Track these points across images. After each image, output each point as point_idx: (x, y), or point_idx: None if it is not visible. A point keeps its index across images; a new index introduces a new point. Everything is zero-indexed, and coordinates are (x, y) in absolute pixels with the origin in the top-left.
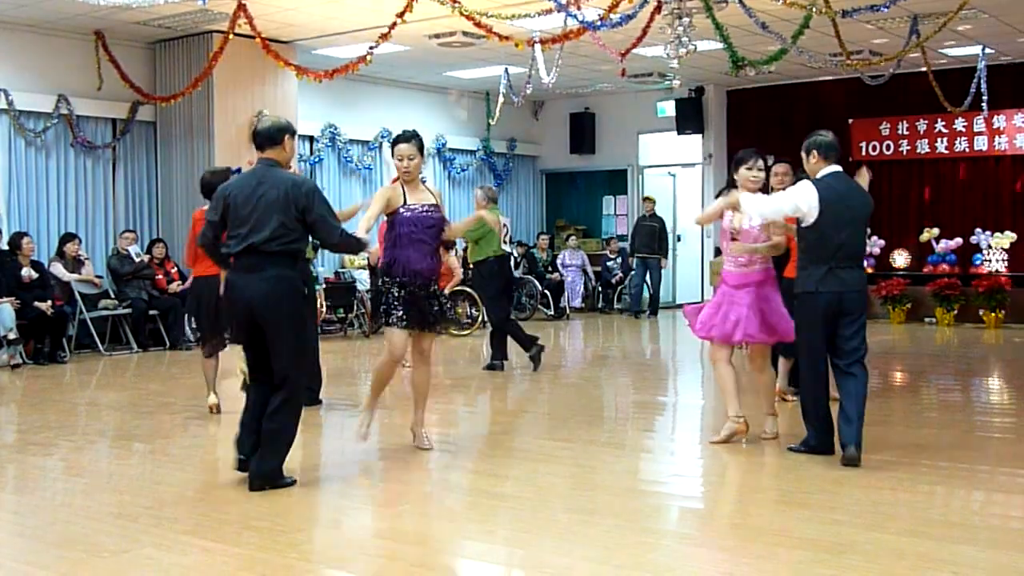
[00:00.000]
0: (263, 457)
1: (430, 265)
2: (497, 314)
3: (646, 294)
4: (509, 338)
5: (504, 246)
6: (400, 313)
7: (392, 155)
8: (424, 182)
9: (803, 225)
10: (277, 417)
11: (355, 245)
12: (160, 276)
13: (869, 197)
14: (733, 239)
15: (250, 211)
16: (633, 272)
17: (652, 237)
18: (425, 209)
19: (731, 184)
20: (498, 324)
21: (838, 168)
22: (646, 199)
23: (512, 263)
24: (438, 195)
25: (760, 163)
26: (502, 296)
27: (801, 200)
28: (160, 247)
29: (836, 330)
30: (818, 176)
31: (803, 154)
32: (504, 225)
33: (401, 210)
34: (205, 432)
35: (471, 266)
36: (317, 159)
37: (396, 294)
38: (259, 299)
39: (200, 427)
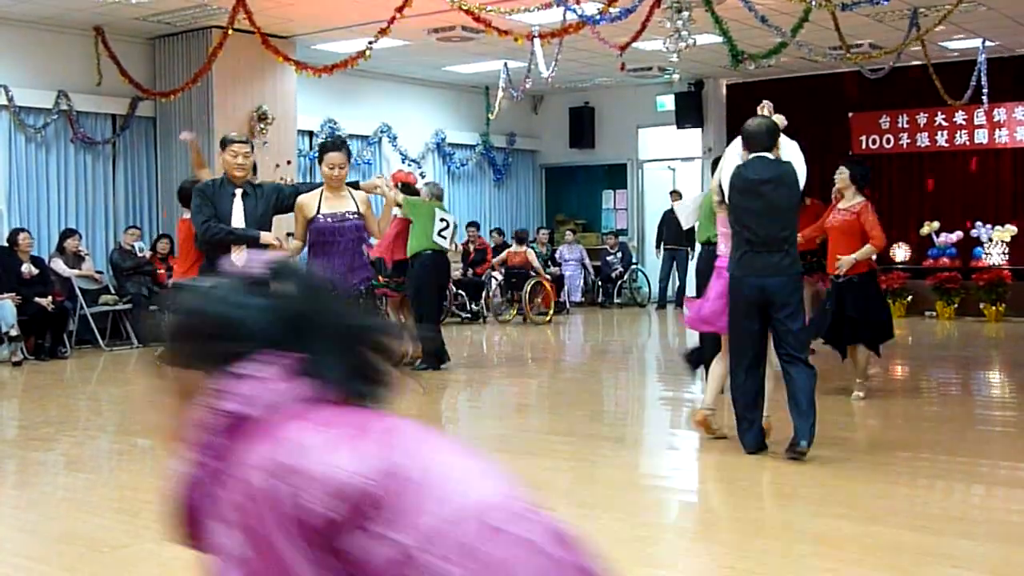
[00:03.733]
0: None
1: (354, 269)
2: (422, 314)
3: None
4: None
5: (441, 242)
6: None
7: (322, 163)
8: (357, 185)
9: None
10: None
11: (230, 237)
12: (162, 271)
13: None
14: None
15: None
16: (635, 266)
17: (680, 230)
18: (344, 216)
19: None
20: (424, 324)
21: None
22: (673, 192)
23: (449, 263)
24: (364, 200)
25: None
26: (432, 295)
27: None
28: (164, 242)
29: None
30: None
31: None
32: (443, 220)
33: (319, 218)
34: None
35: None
36: (316, 154)
37: None
38: None
39: None
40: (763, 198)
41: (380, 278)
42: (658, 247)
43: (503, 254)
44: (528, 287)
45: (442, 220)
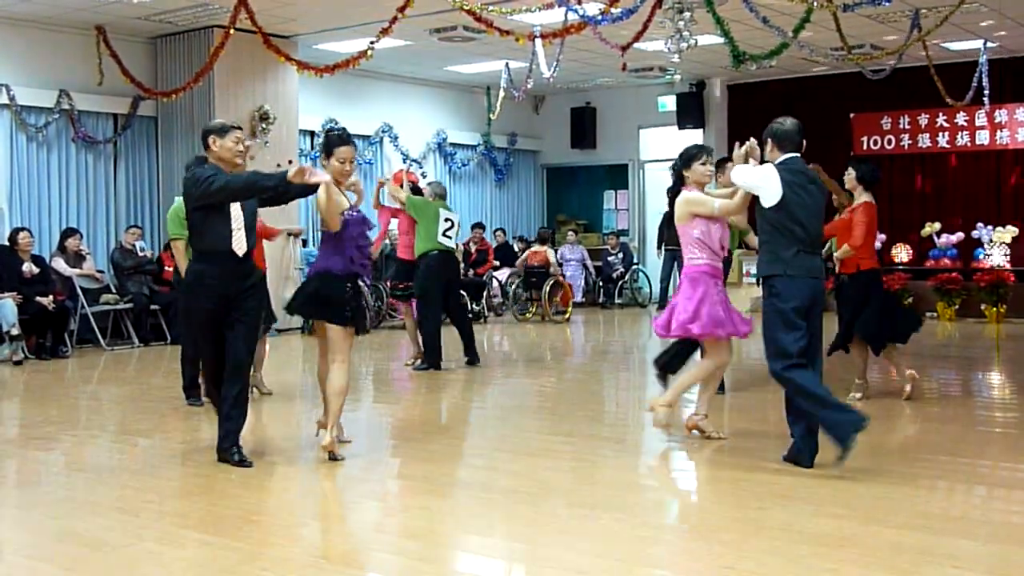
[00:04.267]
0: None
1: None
2: (427, 314)
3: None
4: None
5: (446, 242)
6: (348, 312)
7: (331, 157)
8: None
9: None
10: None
11: (258, 182)
12: (170, 268)
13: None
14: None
15: None
16: (636, 266)
17: None
18: (358, 210)
19: (680, 182)
20: (427, 325)
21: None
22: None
23: (458, 262)
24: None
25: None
26: (437, 296)
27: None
28: None
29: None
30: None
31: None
32: (448, 220)
33: (353, 211)
34: (206, 426)
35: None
36: (318, 154)
37: (349, 294)
38: None
39: (201, 421)
40: (812, 196)
41: (400, 284)
42: (659, 247)
43: (525, 254)
44: (548, 286)
45: (447, 220)
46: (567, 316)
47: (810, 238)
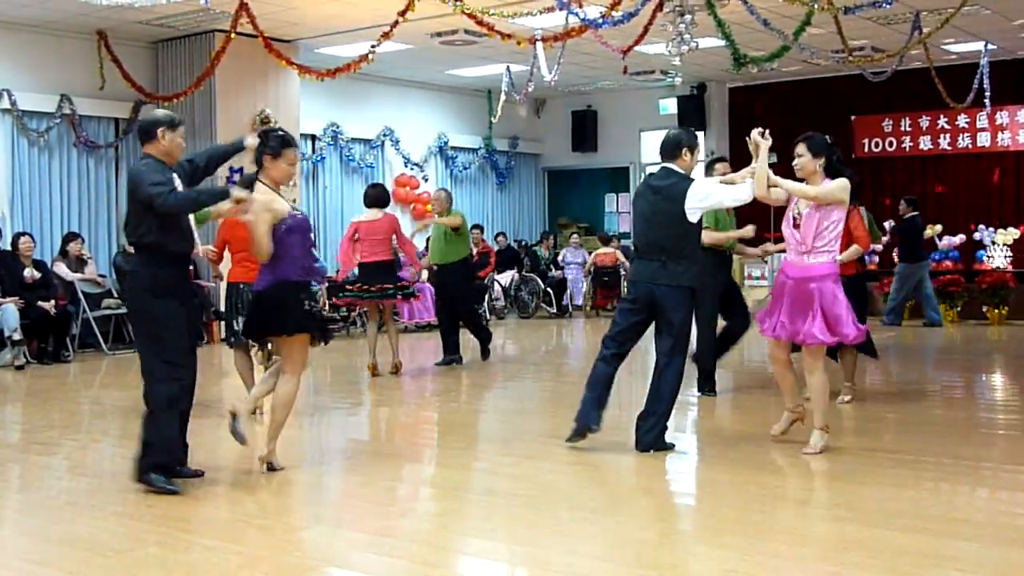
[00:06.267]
0: None
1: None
2: (469, 312)
3: None
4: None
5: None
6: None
7: (279, 159)
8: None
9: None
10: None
11: (200, 199)
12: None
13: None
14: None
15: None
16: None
17: None
18: (301, 212)
19: None
20: (474, 321)
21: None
22: None
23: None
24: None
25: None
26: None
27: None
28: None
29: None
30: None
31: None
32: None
33: (298, 215)
34: (207, 431)
35: (434, 267)
36: (320, 158)
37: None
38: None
39: (201, 426)
40: (650, 204)
41: (385, 286)
42: None
43: (591, 256)
44: (624, 284)
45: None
46: None
47: (641, 245)
